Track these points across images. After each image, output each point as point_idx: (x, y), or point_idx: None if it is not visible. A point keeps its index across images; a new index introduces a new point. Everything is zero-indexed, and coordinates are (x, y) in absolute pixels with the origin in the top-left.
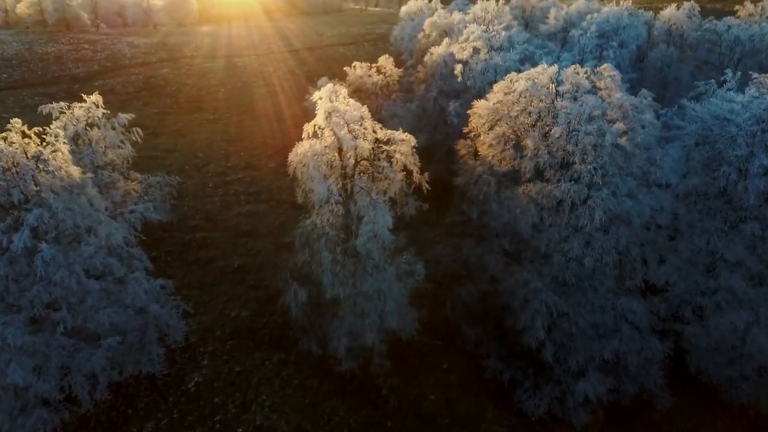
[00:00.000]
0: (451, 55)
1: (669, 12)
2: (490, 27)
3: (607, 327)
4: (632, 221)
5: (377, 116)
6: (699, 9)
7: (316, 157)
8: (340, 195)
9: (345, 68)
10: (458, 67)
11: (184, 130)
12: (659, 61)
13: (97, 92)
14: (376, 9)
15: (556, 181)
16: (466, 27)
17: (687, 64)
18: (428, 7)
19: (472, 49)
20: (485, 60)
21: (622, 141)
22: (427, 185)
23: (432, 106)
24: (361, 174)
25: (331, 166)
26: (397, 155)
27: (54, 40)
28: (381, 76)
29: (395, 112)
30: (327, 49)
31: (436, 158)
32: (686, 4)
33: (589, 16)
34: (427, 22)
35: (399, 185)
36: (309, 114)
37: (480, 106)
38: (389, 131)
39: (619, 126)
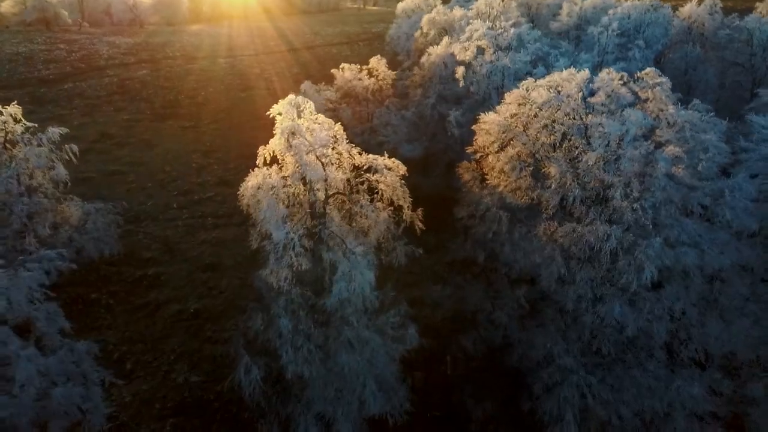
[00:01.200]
0: (452, 56)
1: (689, 8)
2: (496, 24)
3: (657, 414)
4: (692, 277)
5: (368, 124)
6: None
7: (272, 191)
8: (304, 242)
9: (332, 71)
10: (460, 70)
11: (154, 140)
12: (683, 63)
13: (63, 95)
14: (375, 8)
15: (588, 222)
16: (468, 24)
17: (713, 65)
18: (426, 3)
19: (475, 49)
20: (491, 62)
21: (678, 170)
22: (420, 223)
23: (430, 113)
24: (335, 213)
25: (293, 203)
26: (382, 186)
27: (29, 40)
28: (373, 79)
29: (388, 120)
30: (320, 49)
31: (435, 172)
32: (707, 0)
33: (611, 11)
34: (425, 18)
35: (384, 226)
36: (272, 132)
37: (488, 121)
38: (371, 157)
39: (673, 150)
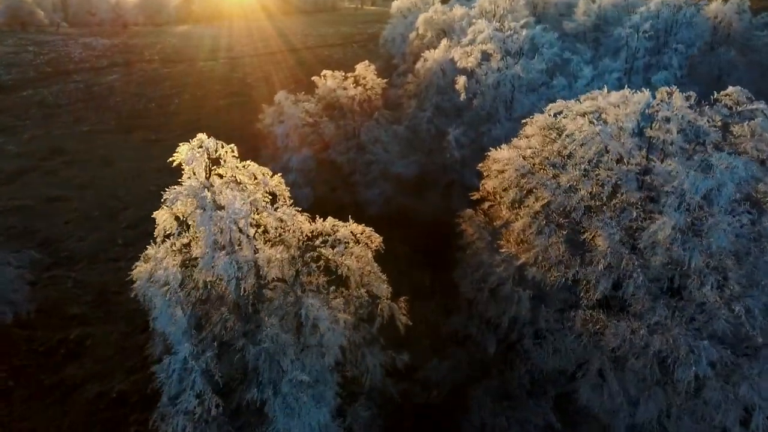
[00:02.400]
0: (451, 62)
1: (715, 7)
2: (504, 24)
3: None
4: None
5: (354, 141)
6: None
7: (166, 290)
8: (216, 369)
9: (314, 78)
10: (461, 80)
11: (112, 156)
12: (716, 67)
13: (20, 103)
14: (372, 8)
15: (655, 321)
16: (471, 24)
17: (750, 70)
18: (424, 2)
19: (479, 55)
20: (498, 70)
21: None
22: (405, 317)
23: (425, 128)
24: (271, 317)
25: (208, 298)
26: (346, 267)
27: None
28: (360, 88)
29: (378, 136)
30: (311, 51)
31: (432, 193)
32: None
33: (640, 9)
34: (421, 18)
35: (347, 333)
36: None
37: (501, 159)
38: (329, 223)
39: None
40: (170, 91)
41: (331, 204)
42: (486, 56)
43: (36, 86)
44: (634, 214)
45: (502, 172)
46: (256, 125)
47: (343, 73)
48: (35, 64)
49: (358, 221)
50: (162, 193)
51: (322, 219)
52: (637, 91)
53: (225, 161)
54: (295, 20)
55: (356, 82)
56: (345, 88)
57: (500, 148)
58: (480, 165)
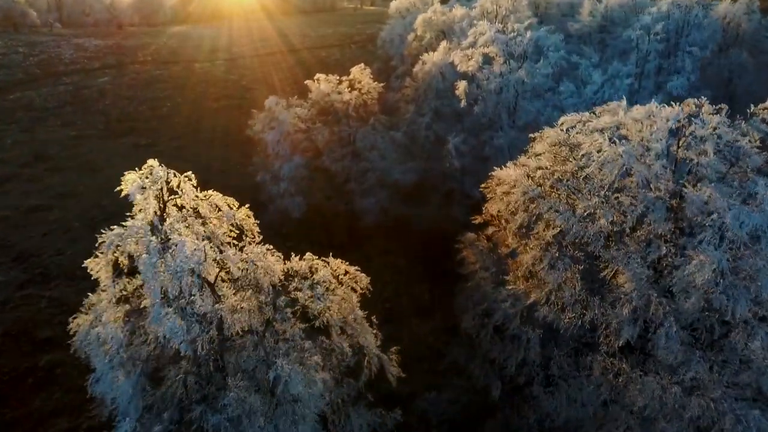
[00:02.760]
0: (451, 65)
1: (724, 8)
2: (507, 25)
3: None
4: None
5: (349, 148)
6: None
7: (105, 349)
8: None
9: (307, 82)
10: (461, 85)
11: (99, 162)
12: (726, 70)
13: (6, 107)
14: (372, 8)
15: (691, 378)
16: (472, 26)
17: (760, 72)
18: (423, 2)
19: (481, 58)
20: (501, 74)
21: None
22: (396, 369)
23: (424, 134)
24: (237, 377)
25: (159, 356)
26: (328, 313)
27: None
28: (355, 92)
29: (374, 143)
30: (309, 51)
31: (431, 202)
32: None
33: (652, 10)
34: (420, 19)
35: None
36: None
37: (505, 179)
38: (311, 262)
39: None
40: (163, 93)
41: (325, 213)
42: (488, 60)
43: (24, 89)
44: (664, 249)
45: (508, 194)
46: (247, 131)
47: (338, 77)
48: (24, 66)
49: (354, 231)
50: None
51: (298, 257)
52: (664, 105)
53: (183, 191)
54: (293, 20)
55: (351, 86)
56: (339, 93)
57: (506, 167)
58: (483, 186)
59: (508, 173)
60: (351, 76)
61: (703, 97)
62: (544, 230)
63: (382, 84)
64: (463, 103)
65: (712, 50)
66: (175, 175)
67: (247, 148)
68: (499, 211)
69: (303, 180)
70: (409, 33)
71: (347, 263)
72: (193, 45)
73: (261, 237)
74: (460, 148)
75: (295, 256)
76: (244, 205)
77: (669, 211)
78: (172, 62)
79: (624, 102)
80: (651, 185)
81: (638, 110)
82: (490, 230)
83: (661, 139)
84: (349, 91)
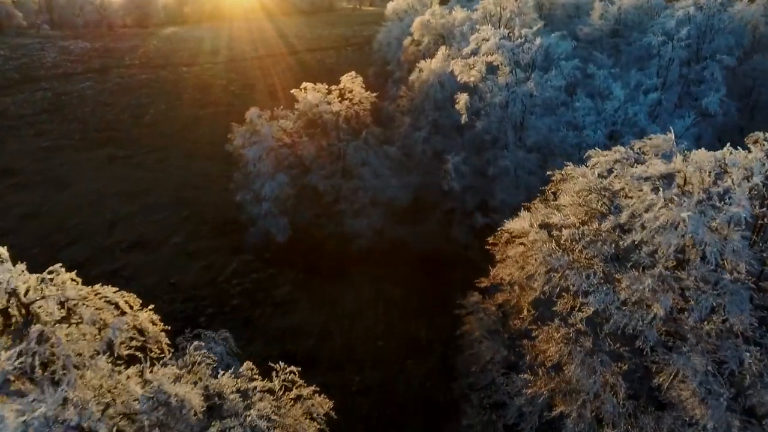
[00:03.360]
0: (451, 74)
1: (740, 9)
2: (512, 29)
3: None
4: None
5: (339, 164)
6: None
7: None
8: None
9: (293, 91)
10: (462, 98)
11: (70, 177)
12: (749, 78)
13: None
14: (371, 8)
15: None
16: (474, 30)
17: None
18: (421, 3)
19: (484, 67)
20: (507, 86)
21: None
22: None
23: (421, 149)
24: None
25: None
26: None
27: None
28: (346, 102)
29: (366, 159)
30: (303, 54)
31: (429, 224)
32: None
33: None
34: (417, 22)
35: None
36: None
37: (519, 234)
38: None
39: None
40: (146, 99)
41: (312, 236)
42: (492, 69)
43: (0, 94)
44: (749, 359)
45: (522, 258)
46: (227, 146)
47: (326, 86)
48: (3, 71)
49: (344, 256)
50: (118, 221)
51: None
52: (733, 149)
53: (54, 281)
54: (291, 21)
55: (341, 96)
56: (329, 103)
57: (519, 215)
58: (490, 241)
59: (522, 226)
60: (341, 85)
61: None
62: (567, 304)
63: (375, 94)
64: (464, 119)
65: (738, 57)
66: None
67: (228, 162)
68: (512, 278)
69: (288, 200)
70: (407, 36)
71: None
72: (184, 47)
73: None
74: (461, 168)
75: (278, 285)
76: (225, 225)
77: (752, 299)
78: (159, 66)
79: (671, 135)
80: (727, 264)
81: (700, 155)
82: (500, 297)
83: (743, 203)
84: (339, 102)
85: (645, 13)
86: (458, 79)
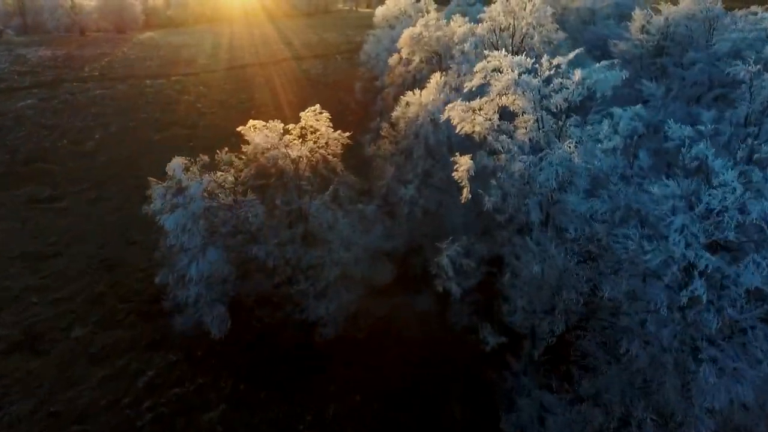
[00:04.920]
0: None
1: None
2: (530, 49)
3: None
4: None
5: (299, 227)
6: None
7: None
8: None
9: (240, 129)
10: (463, 164)
11: None
12: None
13: None
14: (367, 10)
15: None
16: (478, 50)
17: None
18: (416, 8)
19: (497, 113)
20: (532, 146)
21: None
22: None
23: (407, 210)
24: None
25: None
26: None
27: None
28: (309, 144)
29: (333, 222)
30: (287, 63)
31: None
32: None
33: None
34: (405, 35)
35: None
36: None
37: None
38: None
39: None
40: (94, 121)
41: (262, 327)
42: (508, 113)
43: None
44: None
45: None
46: (143, 208)
47: (282, 125)
48: None
49: (305, 353)
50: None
51: None
52: None
53: None
54: (282, 24)
55: (303, 137)
56: (287, 146)
57: None
58: None
59: None
60: (303, 123)
61: None
62: None
63: (347, 134)
64: (465, 194)
65: None
66: None
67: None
68: None
69: (225, 281)
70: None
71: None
72: (155, 55)
73: None
74: (458, 261)
75: None
76: (152, 304)
77: None
78: (120, 78)
79: None
80: None
81: None
82: None
83: None
84: (300, 144)
85: (701, 26)
86: (457, 130)
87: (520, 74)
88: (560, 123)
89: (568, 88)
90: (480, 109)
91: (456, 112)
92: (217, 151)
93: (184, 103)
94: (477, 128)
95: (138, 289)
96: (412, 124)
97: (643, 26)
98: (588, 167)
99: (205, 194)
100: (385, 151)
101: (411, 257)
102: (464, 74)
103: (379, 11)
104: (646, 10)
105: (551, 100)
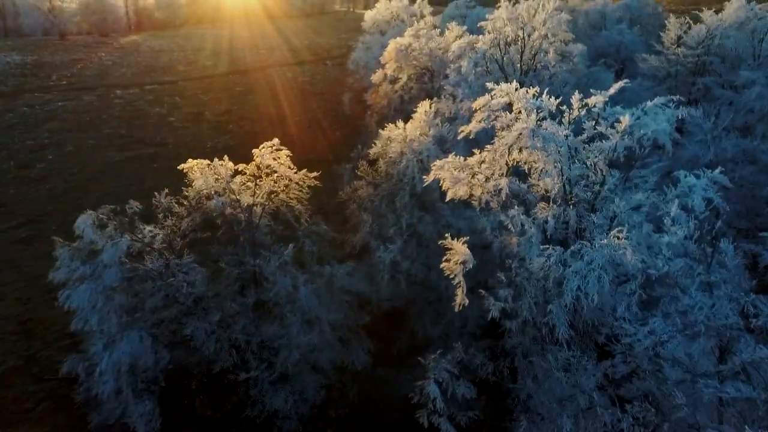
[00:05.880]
0: (439, 145)
1: None
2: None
3: None
4: None
5: (251, 293)
6: None
7: None
8: None
9: (183, 168)
10: (457, 252)
11: None
12: None
13: None
14: (364, 11)
15: None
16: (478, 69)
17: None
18: (409, 11)
19: (506, 174)
20: (560, 223)
21: None
22: None
23: (388, 275)
24: None
25: None
26: None
27: None
28: (266, 186)
29: (293, 294)
30: (273, 70)
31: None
32: None
33: None
34: (390, 47)
35: None
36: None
37: None
38: None
39: None
40: (49, 138)
41: (203, 423)
42: (520, 172)
43: None
44: None
45: None
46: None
47: (230, 164)
48: None
49: None
50: None
51: None
52: None
53: None
54: (275, 26)
55: (256, 177)
56: (234, 192)
57: None
58: None
59: None
60: (257, 161)
61: None
62: None
63: (315, 174)
64: (460, 300)
65: None
66: None
67: None
68: None
69: (156, 368)
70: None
71: None
72: (133, 62)
73: None
74: (455, 390)
75: None
76: (72, 386)
77: None
78: (88, 88)
79: None
80: None
81: None
82: None
83: None
84: (254, 186)
85: (748, 36)
86: (448, 196)
87: (539, 121)
88: (597, 190)
89: (609, 138)
90: (479, 170)
91: (447, 173)
92: (155, 193)
93: (155, 117)
94: (477, 191)
95: (59, 363)
96: (394, 164)
97: (679, 37)
98: (647, 271)
99: (125, 260)
100: (362, 194)
101: (394, 329)
102: (461, 100)
103: (369, 15)
104: (683, 18)
105: (585, 158)
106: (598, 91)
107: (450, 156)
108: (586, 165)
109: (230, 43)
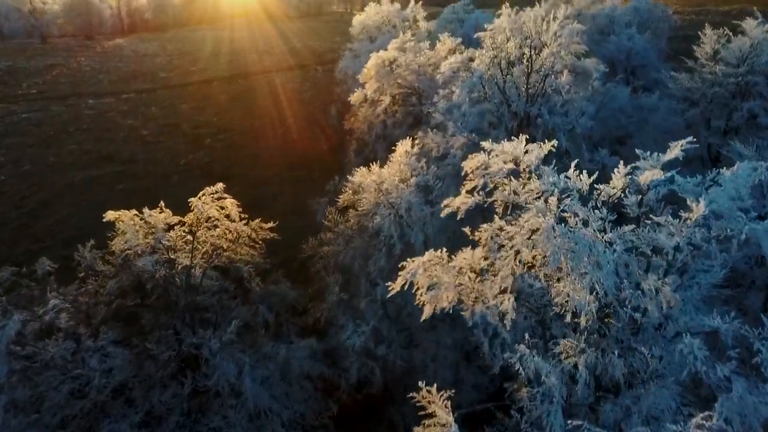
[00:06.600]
0: (424, 194)
1: None
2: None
3: None
4: None
5: (189, 385)
6: None
7: None
8: None
9: (109, 216)
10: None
11: None
12: None
13: None
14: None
15: None
16: (475, 92)
17: None
18: (401, 15)
19: (512, 291)
20: (591, 367)
21: None
22: None
23: (357, 365)
24: None
25: None
26: None
27: None
28: (210, 242)
29: (235, 383)
30: (260, 77)
31: None
32: None
33: None
34: (371, 63)
35: None
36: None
37: None
38: None
39: None
40: (6, 155)
41: None
42: (532, 273)
43: None
44: None
45: None
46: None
47: (163, 215)
48: None
49: None
50: None
51: None
52: None
53: None
54: (265, 29)
55: (194, 230)
56: (168, 250)
57: None
58: None
59: None
60: (194, 212)
61: None
62: None
63: (271, 224)
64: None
65: None
66: None
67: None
68: None
69: None
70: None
71: None
72: (113, 67)
73: None
74: None
75: None
76: None
77: None
78: (60, 97)
79: None
80: None
81: None
82: None
83: None
84: (191, 244)
85: None
86: (424, 315)
87: (560, 215)
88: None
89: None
90: (475, 273)
91: (423, 279)
92: (78, 245)
93: (126, 130)
94: (470, 299)
95: None
96: (367, 218)
97: (716, 51)
98: None
99: (18, 348)
100: (329, 251)
101: (369, 420)
102: (452, 134)
103: (357, 20)
104: (722, 29)
105: (639, 279)
106: (646, 153)
107: (426, 254)
108: (642, 291)
109: (219, 47)
